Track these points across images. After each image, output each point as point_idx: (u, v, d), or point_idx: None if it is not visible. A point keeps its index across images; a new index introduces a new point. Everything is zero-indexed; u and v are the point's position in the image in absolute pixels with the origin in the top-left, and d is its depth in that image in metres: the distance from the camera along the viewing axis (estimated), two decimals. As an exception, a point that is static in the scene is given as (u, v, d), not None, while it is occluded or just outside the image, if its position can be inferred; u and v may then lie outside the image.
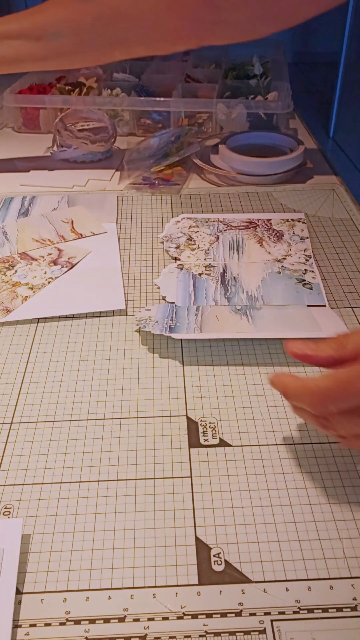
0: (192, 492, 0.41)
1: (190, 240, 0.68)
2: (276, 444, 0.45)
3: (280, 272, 0.61)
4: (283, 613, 0.34)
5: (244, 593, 0.35)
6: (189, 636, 0.33)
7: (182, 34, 0.69)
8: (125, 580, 0.36)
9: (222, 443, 0.45)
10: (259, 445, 0.45)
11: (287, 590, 0.36)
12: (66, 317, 0.58)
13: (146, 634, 0.34)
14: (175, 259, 0.66)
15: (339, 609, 0.35)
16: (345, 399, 0.35)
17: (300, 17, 0.67)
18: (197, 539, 0.38)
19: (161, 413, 0.47)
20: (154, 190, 0.82)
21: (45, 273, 0.64)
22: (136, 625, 0.34)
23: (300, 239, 0.67)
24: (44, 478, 0.42)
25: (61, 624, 0.34)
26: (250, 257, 0.65)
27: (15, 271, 0.64)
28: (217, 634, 0.33)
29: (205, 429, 0.46)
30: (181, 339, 0.54)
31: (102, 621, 0.34)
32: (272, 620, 0.34)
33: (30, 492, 0.41)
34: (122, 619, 0.34)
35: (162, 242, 0.69)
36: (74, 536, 0.39)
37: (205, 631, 0.34)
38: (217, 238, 0.68)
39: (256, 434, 0.46)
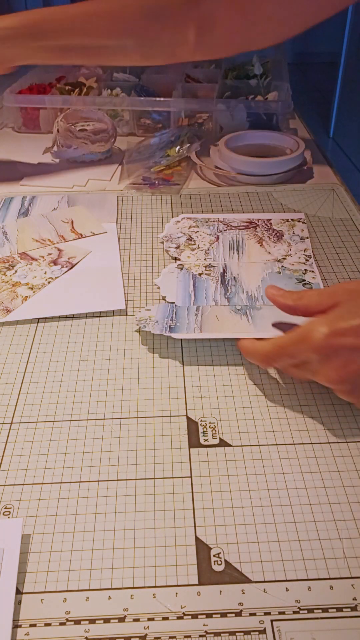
0: (192, 492, 0.41)
1: (190, 240, 0.68)
2: (276, 444, 0.45)
3: (280, 272, 0.61)
4: (283, 613, 0.34)
5: (244, 593, 0.35)
6: (189, 636, 0.33)
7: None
8: (125, 580, 0.36)
9: (222, 443, 0.45)
10: (259, 445, 0.45)
11: (287, 590, 0.36)
12: (66, 317, 0.58)
13: (146, 634, 0.34)
14: (175, 259, 0.66)
15: (339, 609, 0.35)
16: (281, 360, 0.45)
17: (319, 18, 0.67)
18: (197, 539, 0.38)
19: (161, 413, 0.47)
20: (154, 190, 0.82)
21: (45, 273, 0.64)
22: (136, 625, 0.34)
23: (300, 239, 0.67)
24: (44, 478, 0.42)
25: (61, 624, 0.34)
26: (250, 257, 0.64)
27: (15, 271, 0.64)
28: (217, 634, 0.33)
29: (205, 429, 0.46)
30: (181, 339, 0.54)
31: (102, 621, 0.34)
32: (272, 620, 0.34)
33: (30, 492, 0.41)
34: (122, 619, 0.34)
35: (162, 242, 0.69)
36: (74, 536, 0.39)
37: (205, 631, 0.34)
38: (217, 238, 0.68)
39: (256, 434, 0.46)
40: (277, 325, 0.53)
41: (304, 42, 4.07)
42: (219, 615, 0.34)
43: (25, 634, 0.34)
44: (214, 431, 0.46)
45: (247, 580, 0.36)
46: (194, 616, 0.34)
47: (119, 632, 0.34)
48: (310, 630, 0.34)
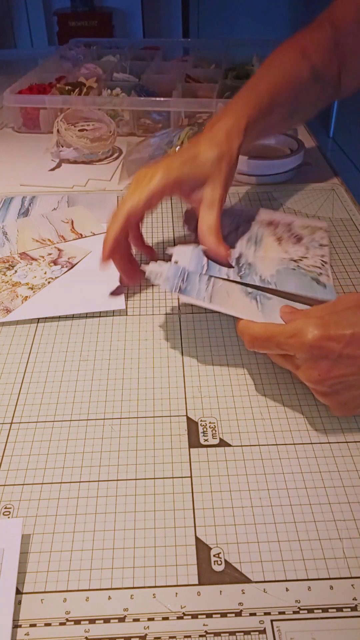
0: (192, 492, 0.41)
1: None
2: (276, 444, 0.45)
3: (295, 270, 0.59)
4: (283, 613, 0.34)
5: (244, 593, 0.35)
6: (189, 636, 0.33)
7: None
8: (125, 580, 0.36)
9: (222, 443, 0.45)
10: (259, 445, 0.45)
11: (287, 590, 0.36)
12: (66, 317, 0.58)
13: (146, 634, 0.34)
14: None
15: (339, 609, 0.35)
16: (268, 347, 0.45)
17: None
18: (197, 539, 0.38)
19: (161, 413, 0.47)
20: (154, 190, 0.82)
21: (45, 273, 0.64)
22: (136, 625, 0.34)
23: (320, 245, 0.64)
24: (44, 478, 0.42)
25: (61, 624, 0.34)
26: (267, 252, 0.62)
27: (15, 271, 0.64)
28: (217, 634, 0.33)
29: (205, 429, 0.46)
30: (182, 340, 0.54)
31: (102, 621, 0.34)
32: (272, 620, 0.34)
33: (30, 492, 0.41)
34: (122, 619, 0.34)
35: (182, 226, 0.67)
36: (74, 536, 0.39)
37: (205, 631, 0.34)
38: (237, 228, 0.65)
39: (256, 434, 0.46)
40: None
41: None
42: (219, 615, 0.34)
43: (25, 634, 0.34)
44: (214, 431, 0.46)
45: (247, 580, 0.36)
46: (194, 616, 0.34)
47: (119, 632, 0.34)
48: (310, 630, 0.34)
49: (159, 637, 0.33)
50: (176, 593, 0.36)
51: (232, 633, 0.34)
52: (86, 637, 0.33)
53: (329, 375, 0.42)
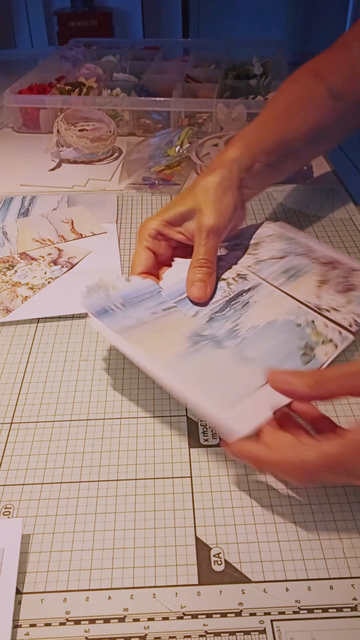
0: (192, 492, 0.41)
1: (257, 246, 0.59)
2: (276, 444, 0.44)
3: (299, 326, 0.49)
4: (283, 613, 0.34)
5: (244, 593, 0.35)
6: (189, 636, 0.33)
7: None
8: (125, 580, 0.36)
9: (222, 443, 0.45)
10: (259, 445, 0.44)
11: (287, 590, 0.36)
12: (66, 317, 0.58)
13: (146, 634, 0.34)
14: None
15: (339, 609, 0.35)
16: (328, 476, 0.36)
17: None
18: (197, 539, 0.38)
19: (161, 413, 0.47)
20: (154, 190, 0.82)
21: (45, 273, 0.64)
22: (136, 625, 0.34)
23: None
24: (44, 478, 0.42)
25: (61, 624, 0.34)
26: (294, 290, 0.53)
27: (15, 271, 0.64)
28: (217, 634, 0.33)
29: (205, 429, 0.46)
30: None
31: (102, 621, 0.34)
32: (272, 620, 0.34)
33: (30, 492, 0.41)
34: (122, 619, 0.34)
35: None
36: (74, 536, 0.39)
37: (205, 631, 0.34)
38: (283, 257, 0.57)
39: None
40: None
41: (304, 42, 4.07)
42: (219, 615, 0.34)
43: (25, 634, 0.34)
44: (214, 431, 0.46)
45: (247, 580, 0.36)
46: (194, 616, 0.34)
47: (119, 632, 0.34)
48: (310, 630, 0.34)
49: (159, 637, 0.33)
50: (176, 593, 0.36)
51: (232, 633, 0.34)
52: (86, 637, 0.33)
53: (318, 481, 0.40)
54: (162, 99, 0.97)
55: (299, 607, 0.35)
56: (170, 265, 0.55)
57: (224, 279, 0.55)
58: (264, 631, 0.34)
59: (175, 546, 0.38)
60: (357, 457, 0.34)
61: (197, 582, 0.36)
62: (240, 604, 0.35)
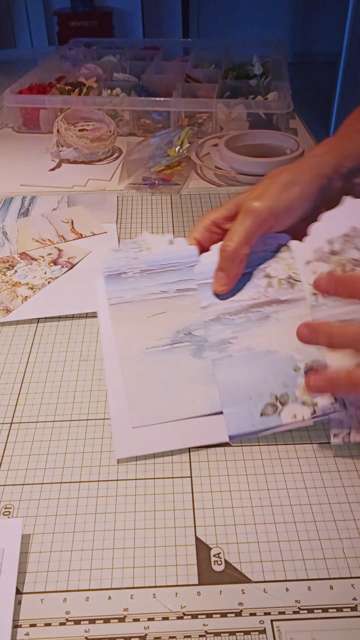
0: (192, 492, 0.41)
1: (334, 254, 0.46)
2: (276, 444, 0.45)
3: (295, 371, 0.43)
4: (283, 613, 0.34)
5: (244, 593, 0.35)
6: (189, 636, 0.33)
7: None
8: (125, 580, 0.36)
9: (222, 443, 0.45)
10: (259, 445, 0.45)
11: (287, 590, 0.36)
12: (66, 317, 0.58)
13: (146, 634, 0.34)
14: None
15: (339, 609, 0.35)
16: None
17: None
18: (197, 539, 0.38)
19: (161, 413, 0.47)
20: (154, 190, 0.82)
21: (45, 273, 0.64)
22: (136, 625, 0.34)
23: None
24: (44, 478, 0.42)
25: (61, 624, 0.34)
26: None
27: (15, 271, 0.64)
28: (217, 634, 0.33)
29: (205, 429, 0.46)
30: None
31: (102, 621, 0.34)
32: (272, 620, 0.34)
33: (30, 492, 0.41)
34: (122, 619, 0.34)
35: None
36: (74, 536, 0.39)
37: (205, 631, 0.34)
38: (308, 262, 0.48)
39: (256, 434, 0.45)
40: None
41: (304, 42, 4.07)
42: (219, 615, 0.34)
43: (25, 634, 0.34)
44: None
45: (247, 580, 0.36)
46: (194, 616, 0.34)
47: (119, 632, 0.34)
48: (310, 630, 0.34)
49: (159, 637, 0.33)
50: (176, 593, 0.36)
51: (232, 633, 0.34)
52: (86, 637, 0.33)
53: None
54: (162, 99, 0.97)
55: (299, 607, 0.35)
56: None
57: (270, 276, 0.46)
58: (264, 631, 0.34)
59: (175, 546, 0.38)
60: None
61: (197, 582, 0.36)
62: (240, 604, 0.35)
